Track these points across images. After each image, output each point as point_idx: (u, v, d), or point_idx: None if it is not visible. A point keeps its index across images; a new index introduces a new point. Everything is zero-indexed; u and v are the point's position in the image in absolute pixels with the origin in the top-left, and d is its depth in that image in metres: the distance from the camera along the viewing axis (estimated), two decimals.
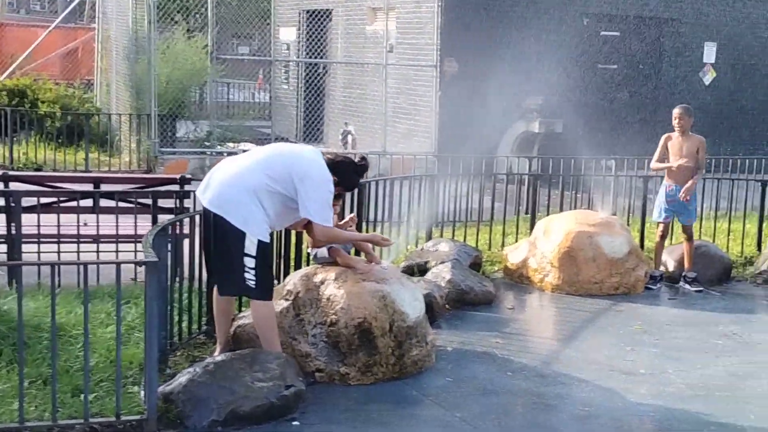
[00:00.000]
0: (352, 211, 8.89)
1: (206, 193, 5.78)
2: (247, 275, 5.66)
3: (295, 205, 5.72)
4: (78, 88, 19.40)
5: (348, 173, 5.94)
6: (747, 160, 14.74)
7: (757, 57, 18.30)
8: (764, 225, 10.71)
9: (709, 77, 17.90)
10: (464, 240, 9.97)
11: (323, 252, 6.36)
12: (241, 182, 5.68)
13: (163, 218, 6.71)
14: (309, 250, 6.62)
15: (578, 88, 16.81)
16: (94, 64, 19.71)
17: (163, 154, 14.79)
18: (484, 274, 9.27)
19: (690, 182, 9.22)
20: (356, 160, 6.02)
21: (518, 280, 9.29)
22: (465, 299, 8.24)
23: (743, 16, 18.09)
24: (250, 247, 5.61)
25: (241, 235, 5.60)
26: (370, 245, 6.46)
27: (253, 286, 5.70)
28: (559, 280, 9.00)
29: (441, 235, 10.14)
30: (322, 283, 6.27)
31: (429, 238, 9.96)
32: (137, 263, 5.47)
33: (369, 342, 6.12)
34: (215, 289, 6.04)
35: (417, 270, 8.82)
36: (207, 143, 15.31)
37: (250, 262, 5.62)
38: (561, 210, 10.62)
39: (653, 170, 9.77)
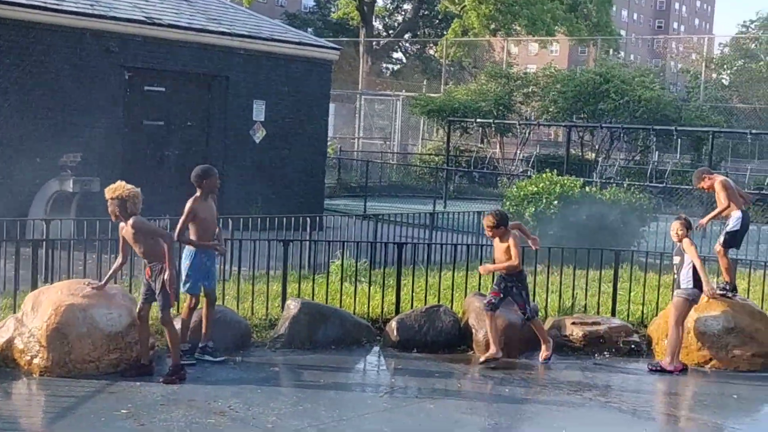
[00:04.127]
0: None
1: None
2: None
3: None
4: None
5: None
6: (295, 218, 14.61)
7: (304, 115, 18.59)
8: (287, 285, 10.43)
9: (259, 135, 17.84)
10: None
11: None
12: None
13: None
14: None
15: (122, 144, 15.88)
16: None
17: None
18: None
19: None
20: None
21: (3, 363, 8.03)
22: None
23: (291, 75, 18.32)
24: None
25: None
26: None
27: None
28: (49, 361, 7.90)
29: None
30: None
31: None
32: None
33: None
34: None
35: None
36: None
37: None
38: (85, 276, 9.50)
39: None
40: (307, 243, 11.80)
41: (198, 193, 8.74)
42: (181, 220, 8.57)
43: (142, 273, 8.28)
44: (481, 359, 9.27)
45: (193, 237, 8.65)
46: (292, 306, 9.64)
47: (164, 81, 16.59)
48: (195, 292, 8.77)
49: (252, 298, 10.33)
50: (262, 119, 17.88)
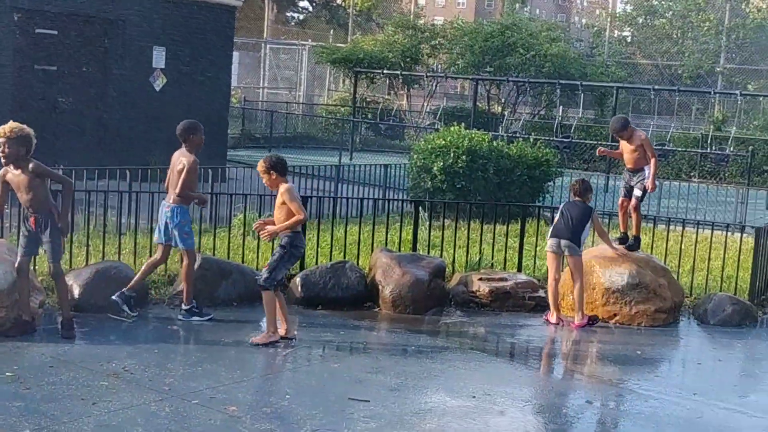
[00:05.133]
0: None
1: None
2: None
3: None
4: None
5: None
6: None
7: (207, 63, 17.98)
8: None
9: (159, 82, 17.19)
10: None
11: None
12: None
13: None
14: None
15: (11, 89, 15.07)
16: None
17: None
18: None
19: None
20: None
21: None
22: None
23: (192, 20, 17.66)
24: None
25: None
26: None
27: None
28: None
29: None
30: None
31: None
32: None
33: None
34: None
35: None
36: None
37: None
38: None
39: None
40: (209, 195, 11.37)
41: (185, 148, 8.57)
42: (186, 177, 8.38)
43: (23, 223, 7.78)
44: (252, 341, 7.92)
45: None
46: None
47: (57, 23, 15.77)
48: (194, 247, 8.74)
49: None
50: (163, 66, 17.22)
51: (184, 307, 8.61)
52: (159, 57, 17.12)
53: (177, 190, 8.41)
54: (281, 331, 8.12)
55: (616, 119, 10.38)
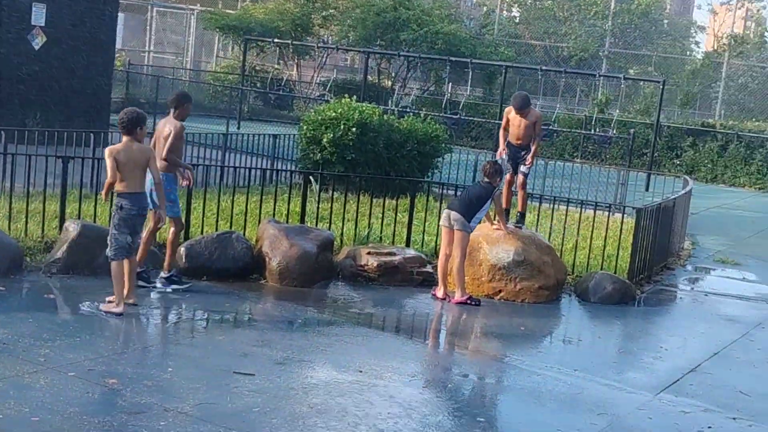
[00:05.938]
0: None
1: None
2: None
3: None
4: None
5: None
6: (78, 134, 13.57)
7: (90, 22, 17.32)
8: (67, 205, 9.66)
9: (38, 41, 16.46)
10: None
11: None
12: None
13: None
14: None
15: None
16: None
17: None
18: None
19: None
20: None
21: None
22: None
23: None
24: None
25: None
26: None
27: None
28: None
29: None
30: None
31: None
32: None
33: None
34: None
35: None
36: None
37: None
38: None
39: None
40: (90, 161, 10.95)
41: (172, 116, 8.60)
42: (172, 141, 8.41)
43: None
44: (102, 307, 7.68)
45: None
46: (71, 228, 8.93)
47: None
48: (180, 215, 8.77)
49: (26, 218, 9.50)
50: (42, 23, 16.48)
51: (163, 274, 8.63)
52: (39, 14, 16.37)
53: (163, 153, 8.38)
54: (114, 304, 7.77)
55: (521, 96, 10.35)
